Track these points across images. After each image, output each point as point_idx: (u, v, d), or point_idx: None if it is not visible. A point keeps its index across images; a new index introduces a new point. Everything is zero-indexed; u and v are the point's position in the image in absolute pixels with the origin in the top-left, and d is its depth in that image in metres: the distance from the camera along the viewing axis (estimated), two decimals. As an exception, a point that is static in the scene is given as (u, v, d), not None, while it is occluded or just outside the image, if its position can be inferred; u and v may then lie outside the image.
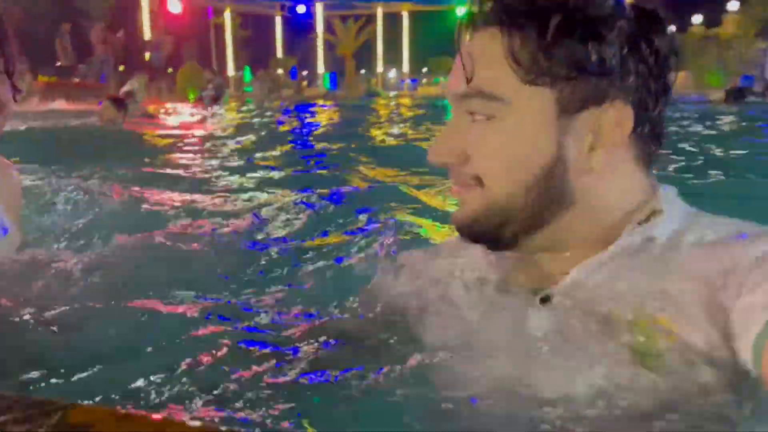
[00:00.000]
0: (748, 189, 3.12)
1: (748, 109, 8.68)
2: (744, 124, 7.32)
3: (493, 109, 0.73)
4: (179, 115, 10.61)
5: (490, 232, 0.76)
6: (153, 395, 0.70)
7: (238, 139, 6.35)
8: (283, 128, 7.85)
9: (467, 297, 0.84)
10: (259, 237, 2.02)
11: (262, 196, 2.95)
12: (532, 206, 0.74)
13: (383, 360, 0.80)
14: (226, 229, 2.03)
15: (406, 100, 18.19)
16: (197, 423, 0.41)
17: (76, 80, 16.57)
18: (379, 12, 28.22)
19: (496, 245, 0.79)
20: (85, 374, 0.79)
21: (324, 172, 3.69)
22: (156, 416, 0.42)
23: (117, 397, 0.71)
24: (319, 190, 2.64)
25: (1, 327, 0.95)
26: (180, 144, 5.71)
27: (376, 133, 7.15)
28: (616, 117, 0.72)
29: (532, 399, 0.72)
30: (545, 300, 0.76)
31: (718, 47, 24.60)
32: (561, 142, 0.72)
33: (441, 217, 2.19)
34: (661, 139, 0.77)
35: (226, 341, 0.88)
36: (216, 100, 15.73)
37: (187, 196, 2.89)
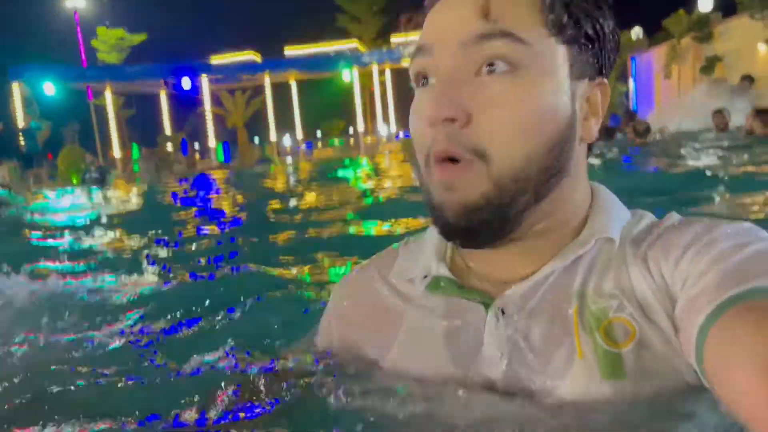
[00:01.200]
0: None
1: (613, 144, 9.54)
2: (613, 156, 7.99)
3: (520, 57, 0.64)
4: (62, 199, 9.98)
5: (497, 215, 0.65)
6: None
7: (126, 219, 6.01)
8: (171, 204, 7.55)
9: (419, 319, 0.75)
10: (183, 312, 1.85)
11: (161, 274, 2.75)
12: (544, 173, 0.66)
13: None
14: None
15: (303, 164, 18.22)
16: None
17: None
18: (267, 82, 28.47)
19: (497, 234, 0.67)
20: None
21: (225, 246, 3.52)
22: None
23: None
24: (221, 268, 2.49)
25: None
26: (67, 230, 5.31)
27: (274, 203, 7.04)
28: (604, 93, 0.72)
29: (499, 415, 0.66)
30: (501, 311, 0.70)
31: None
32: (572, 106, 0.68)
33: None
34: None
35: None
36: (101, 182, 15.03)
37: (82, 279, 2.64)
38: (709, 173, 5.01)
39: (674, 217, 0.72)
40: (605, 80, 0.72)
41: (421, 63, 0.69)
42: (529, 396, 0.66)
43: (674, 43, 21.13)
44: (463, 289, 0.73)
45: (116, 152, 27.18)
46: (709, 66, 19.17)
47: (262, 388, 0.83)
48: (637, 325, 0.65)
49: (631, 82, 25.36)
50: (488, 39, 0.63)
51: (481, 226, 0.66)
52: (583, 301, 0.67)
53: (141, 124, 32.91)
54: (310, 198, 6.98)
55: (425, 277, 0.77)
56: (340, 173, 11.89)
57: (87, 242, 4.44)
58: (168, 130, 29.22)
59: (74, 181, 16.05)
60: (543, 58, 0.65)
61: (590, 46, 0.69)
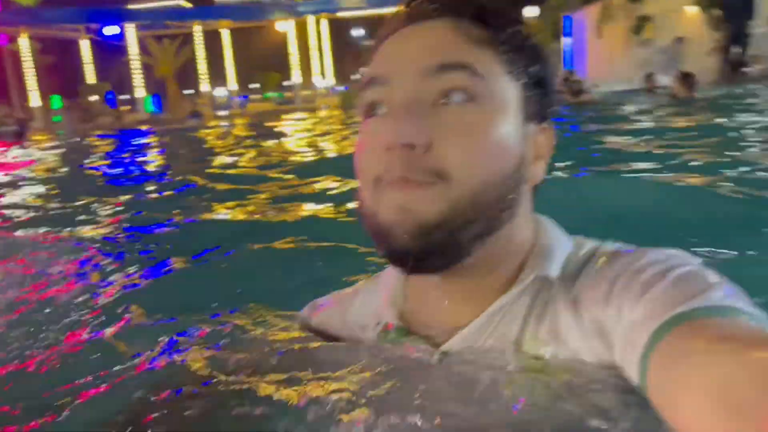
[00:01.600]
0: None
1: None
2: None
3: (477, 90, 0.65)
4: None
5: (450, 239, 0.65)
6: None
7: (49, 178, 5.69)
8: (100, 162, 7.18)
9: (368, 359, 0.77)
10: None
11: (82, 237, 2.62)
12: (497, 204, 0.67)
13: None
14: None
15: (238, 119, 17.72)
16: None
17: None
18: (197, 30, 27.26)
19: (447, 259, 0.67)
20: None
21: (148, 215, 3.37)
22: None
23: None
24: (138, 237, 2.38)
25: None
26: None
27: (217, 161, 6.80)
28: (550, 136, 0.73)
29: None
30: (444, 354, 0.72)
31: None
32: (522, 145, 0.69)
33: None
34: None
35: None
36: (20, 135, 14.16)
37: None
38: (639, 136, 5.18)
39: (606, 248, 0.74)
40: (550, 126, 0.73)
41: (375, 92, 0.69)
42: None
43: (607, 2, 21.52)
44: (412, 336, 0.76)
45: (34, 102, 25.61)
46: (639, 26, 19.69)
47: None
48: (571, 367, 0.68)
49: (564, 41, 25.79)
50: (447, 71, 0.65)
51: (433, 249, 0.66)
52: (520, 348, 0.70)
53: (61, 72, 30.99)
54: (246, 156, 6.78)
55: (377, 323, 0.79)
56: (278, 128, 11.65)
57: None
58: (91, 80, 27.68)
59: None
60: (498, 93, 0.67)
61: (538, 91, 0.71)
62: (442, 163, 0.64)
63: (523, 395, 0.68)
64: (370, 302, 0.84)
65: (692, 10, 16.79)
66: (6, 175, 6.23)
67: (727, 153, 3.97)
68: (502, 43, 0.68)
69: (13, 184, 5.32)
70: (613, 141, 5.13)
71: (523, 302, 0.71)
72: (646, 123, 6.61)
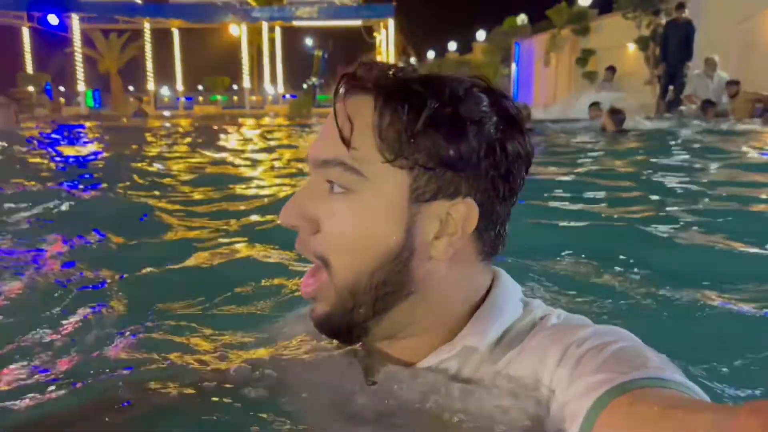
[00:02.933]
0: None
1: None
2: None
3: (351, 183, 0.71)
4: None
5: (344, 323, 0.75)
6: None
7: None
8: (36, 159, 6.88)
9: (316, 362, 0.85)
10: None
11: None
12: (375, 290, 0.73)
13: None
14: None
15: (183, 121, 17.31)
16: None
17: None
18: (146, 27, 26.58)
19: (350, 337, 0.78)
20: None
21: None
22: None
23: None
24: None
25: None
26: None
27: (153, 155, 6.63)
28: (463, 212, 0.73)
29: None
30: (372, 383, 0.79)
31: (471, 71, 27.65)
32: (409, 228, 0.72)
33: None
34: (502, 237, 0.79)
35: None
36: None
37: None
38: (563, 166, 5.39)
39: (549, 320, 0.77)
40: (470, 200, 0.73)
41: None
42: None
43: (555, 32, 22.28)
44: (356, 356, 0.83)
45: (-34, 89, 24.33)
46: (584, 58, 20.45)
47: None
48: None
49: (513, 67, 26.49)
50: (327, 165, 0.72)
51: (337, 332, 0.77)
52: (438, 405, 0.74)
53: (-3, 59, 29.59)
54: (188, 161, 6.65)
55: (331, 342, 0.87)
56: (222, 135, 11.47)
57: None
58: (30, 69, 26.53)
59: None
60: (374, 184, 0.71)
61: (443, 170, 0.71)
62: (323, 250, 0.73)
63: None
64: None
65: (632, 47, 17.59)
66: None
67: (639, 185, 4.19)
68: (412, 130, 0.69)
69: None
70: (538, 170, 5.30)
71: (451, 362, 0.76)
72: (572, 153, 6.83)
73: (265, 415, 0.82)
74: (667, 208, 3.33)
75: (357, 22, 26.10)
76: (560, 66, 22.65)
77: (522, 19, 26.96)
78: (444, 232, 0.73)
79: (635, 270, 2.09)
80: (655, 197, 3.67)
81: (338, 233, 0.72)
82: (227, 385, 0.87)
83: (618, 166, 5.46)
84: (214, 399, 0.86)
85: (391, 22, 24.99)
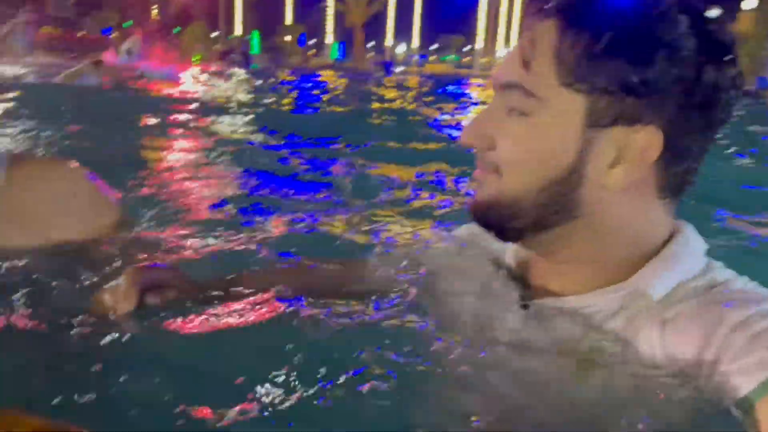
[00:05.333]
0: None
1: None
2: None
3: (528, 106, 0.72)
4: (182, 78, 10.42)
5: (498, 222, 0.77)
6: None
7: (245, 108, 6.21)
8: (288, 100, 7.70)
9: (472, 285, 0.87)
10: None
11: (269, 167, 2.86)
12: (539, 208, 0.73)
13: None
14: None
15: (415, 78, 17.93)
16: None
17: (81, 33, 16.37)
18: (393, -17, 27.71)
19: (502, 235, 0.80)
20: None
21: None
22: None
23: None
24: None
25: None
26: (176, 110, 5.59)
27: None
28: (644, 140, 0.69)
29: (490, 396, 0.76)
30: (525, 307, 0.79)
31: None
32: (583, 152, 0.71)
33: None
34: (690, 174, 0.73)
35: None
36: (244, 65, 15.83)
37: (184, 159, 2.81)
38: None
39: (731, 285, 0.72)
40: (652, 127, 0.68)
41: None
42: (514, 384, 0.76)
43: None
44: (515, 282, 0.85)
45: (237, 31, 27.78)
46: None
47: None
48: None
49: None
50: (508, 89, 0.73)
51: (488, 224, 0.79)
52: (587, 337, 0.74)
53: (263, 11, 33.27)
54: (420, 111, 6.91)
55: (497, 256, 0.89)
56: (451, 89, 11.67)
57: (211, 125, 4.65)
58: (289, 21, 29.49)
59: (195, 60, 16.69)
60: (550, 107, 0.71)
61: (625, 94, 0.68)
62: (498, 161, 0.75)
63: (566, 379, 0.73)
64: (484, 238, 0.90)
65: None
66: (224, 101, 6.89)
67: None
68: (593, 52, 0.67)
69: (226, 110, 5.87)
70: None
71: (612, 303, 0.74)
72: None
73: (413, 318, 0.87)
74: None
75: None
76: None
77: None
78: (621, 160, 0.70)
79: None
80: None
81: (511, 154, 0.74)
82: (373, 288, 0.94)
83: None
84: (357, 307, 0.92)
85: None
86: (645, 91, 0.67)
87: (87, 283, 1.02)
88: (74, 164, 1.28)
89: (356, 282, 0.99)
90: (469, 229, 1.01)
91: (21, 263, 1.09)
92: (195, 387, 0.76)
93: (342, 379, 0.75)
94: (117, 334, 0.83)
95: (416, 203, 2.32)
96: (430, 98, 9.02)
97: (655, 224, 0.75)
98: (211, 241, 1.47)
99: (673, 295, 0.72)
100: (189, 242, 1.45)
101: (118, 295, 0.86)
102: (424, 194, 2.48)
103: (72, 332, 0.84)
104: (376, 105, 7.85)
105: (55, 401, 0.69)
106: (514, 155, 0.73)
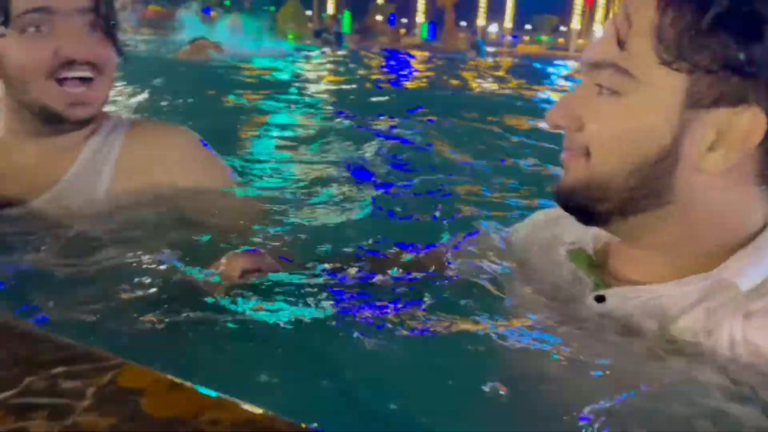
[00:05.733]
0: None
1: None
2: None
3: (622, 85, 0.70)
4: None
5: (585, 205, 0.75)
6: (210, 369, 0.68)
7: (329, 86, 6.34)
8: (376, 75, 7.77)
9: (549, 267, 0.87)
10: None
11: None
12: (630, 190, 0.71)
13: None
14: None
15: (507, 59, 17.51)
16: (251, 407, 0.37)
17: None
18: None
19: (587, 219, 0.78)
20: (144, 332, 0.77)
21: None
22: (209, 393, 0.39)
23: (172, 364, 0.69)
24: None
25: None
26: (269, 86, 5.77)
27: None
28: (747, 123, 0.65)
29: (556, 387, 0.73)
30: (600, 299, 0.77)
31: None
32: (679, 134, 0.68)
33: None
34: None
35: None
36: (336, 44, 16.23)
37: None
38: None
39: None
40: (757, 109, 0.65)
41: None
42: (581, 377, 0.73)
43: None
44: (590, 267, 0.83)
45: (329, 10, 28.10)
46: None
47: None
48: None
49: None
50: (598, 67, 0.71)
51: (574, 207, 0.77)
52: (667, 326, 0.72)
53: (356, -10, 33.48)
54: (511, 93, 6.77)
55: (573, 243, 0.87)
56: (545, 71, 11.34)
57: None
58: (380, 0, 29.51)
59: (290, 38, 17.08)
60: (647, 86, 0.68)
61: (729, 74, 0.64)
62: (588, 142, 0.72)
63: (639, 370, 0.71)
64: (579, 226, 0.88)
65: None
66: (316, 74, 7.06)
67: None
68: (696, 29, 0.64)
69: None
70: None
71: (693, 294, 0.71)
72: None
73: (489, 300, 0.87)
74: None
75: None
76: None
77: None
78: (721, 143, 0.66)
79: None
80: None
81: (602, 134, 0.71)
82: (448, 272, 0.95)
83: None
84: (436, 282, 0.93)
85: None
86: (751, 70, 0.63)
87: (188, 247, 1.05)
88: (190, 131, 1.34)
89: (436, 266, 0.99)
90: (546, 214, 1.01)
91: (136, 217, 1.16)
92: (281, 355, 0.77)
93: (420, 355, 0.76)
94: (209, 301, 0.86)
95: (502, 186, 2.29)
96: (522, 80, 8.80)
97: (749, 213, 0.71)
98: (303, 212, 1.53)
99: (762, 288, 0.68)
100: (282, 212, 1.51)
101: (225, 272, 0.90)
102: (512, 179, 2.44)
103: (170, 298, 0.87)
104: (466, 85, 7.76)
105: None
106: (605, 136, 0.71)
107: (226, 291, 0.87)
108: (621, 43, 0.68)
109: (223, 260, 0.92)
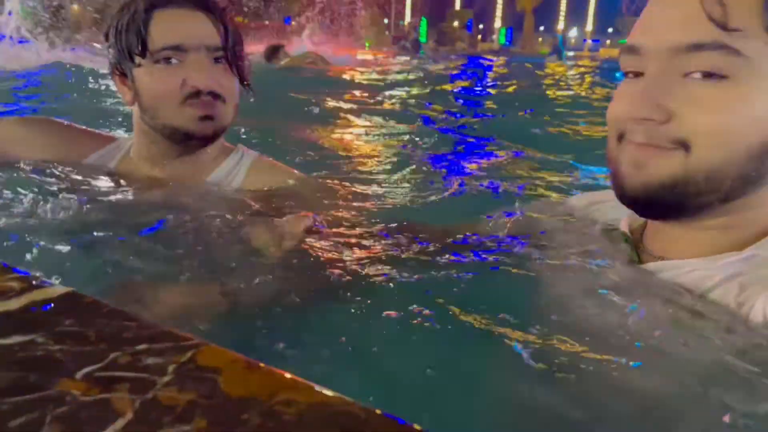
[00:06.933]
0: None
1: None
2: None
3: (731, 67, 0.63)
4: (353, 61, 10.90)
5: (679, 201, 0.69)
6: (288, 351, 0.68)
7: (405, 89, 6.38)
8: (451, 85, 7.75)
9: (584, 243, 0.86)
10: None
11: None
12: (739, 179, 0.67)
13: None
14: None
15: (586, 63, 17.06)
16: (325, 390, 0.36)
17: (266, 22, 17.74)
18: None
19: (665, 215, 0.73)
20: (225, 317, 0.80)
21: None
22: (286, 374, 0.39)
23: (249, 346, 0.70)
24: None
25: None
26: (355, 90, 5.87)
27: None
28: None
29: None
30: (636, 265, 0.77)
31: None
32: None
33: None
34: None
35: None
36: (416, 49, 16.45)
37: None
38: None
39: None
40: None
41: (629, 62, 0.72)
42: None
43: None
44: (628, 244, 0.81)
45: (407, 18, 28.32)
46: None
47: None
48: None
49: None
50: (701, 50, 0.64)
51: (658, 204, 0.70)
52: (705, 296, 0.70)
53: (433, -3, 33.56)
54: (593, 98, 6.58)
55: (607, 223, 0.87)
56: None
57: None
58: (457, 6, 29.43)
59: (367, 45, 17.32)
60: (758, 68, 0.62)
61: None
62: (685, 134, 0.66)
63: (671, 341, 0.68)
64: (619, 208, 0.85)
65: None
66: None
67: None
68: None
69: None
70: None
71: (729, 268, 0.69)
72: None
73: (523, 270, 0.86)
74: None
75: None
76: None
77: None
78: None
79: None
80: None
81: (707, 121, 0.65)
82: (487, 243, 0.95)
83: None
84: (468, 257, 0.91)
85: None
86: None
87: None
88: (311, 179, 1.41)
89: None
90: (579, 200, 1.00)
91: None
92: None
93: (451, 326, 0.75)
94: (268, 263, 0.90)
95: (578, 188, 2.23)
96: (604, 87, 8.55)
97: None
98: (380, 209, 1.54)
99: None
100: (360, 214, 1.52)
101: (289, 227, 0.93)
102: (589, 179, 2.37)
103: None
104: (547, 91, 7.60)
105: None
106: (711, 125, 0.65)
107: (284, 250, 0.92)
108: (721, 23, 0.63)
109: (286, 219, 0.96)
